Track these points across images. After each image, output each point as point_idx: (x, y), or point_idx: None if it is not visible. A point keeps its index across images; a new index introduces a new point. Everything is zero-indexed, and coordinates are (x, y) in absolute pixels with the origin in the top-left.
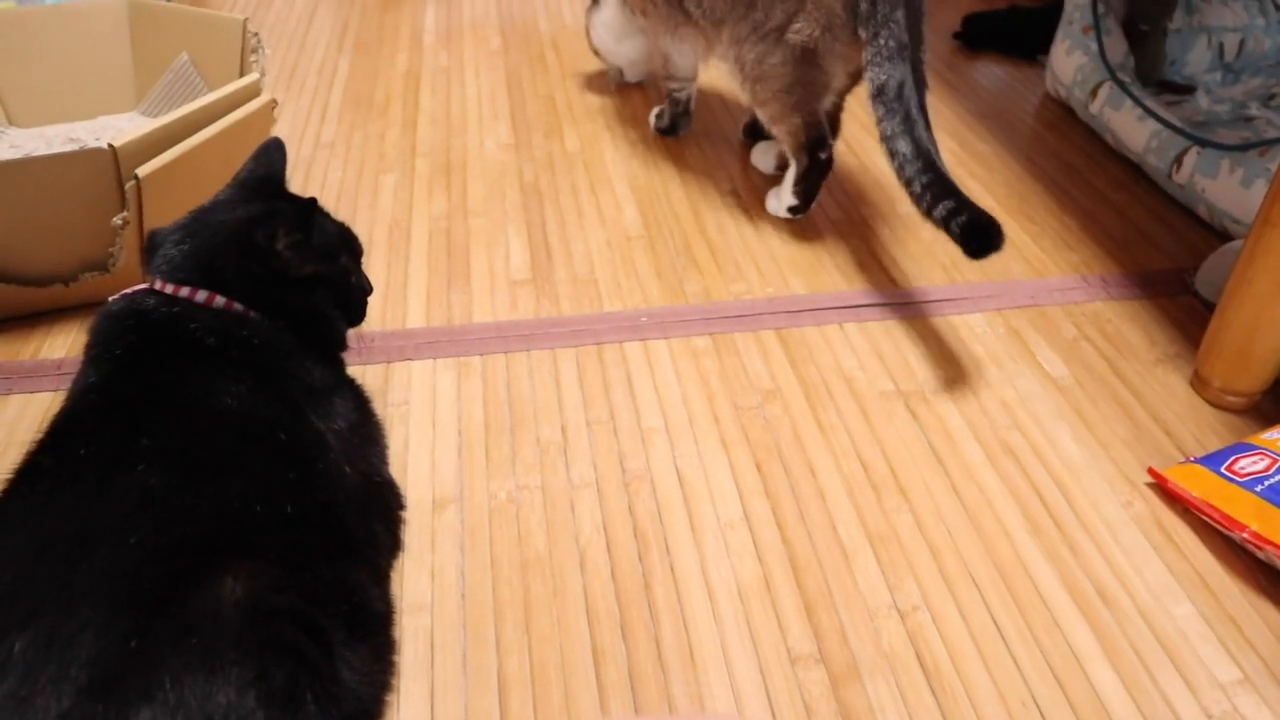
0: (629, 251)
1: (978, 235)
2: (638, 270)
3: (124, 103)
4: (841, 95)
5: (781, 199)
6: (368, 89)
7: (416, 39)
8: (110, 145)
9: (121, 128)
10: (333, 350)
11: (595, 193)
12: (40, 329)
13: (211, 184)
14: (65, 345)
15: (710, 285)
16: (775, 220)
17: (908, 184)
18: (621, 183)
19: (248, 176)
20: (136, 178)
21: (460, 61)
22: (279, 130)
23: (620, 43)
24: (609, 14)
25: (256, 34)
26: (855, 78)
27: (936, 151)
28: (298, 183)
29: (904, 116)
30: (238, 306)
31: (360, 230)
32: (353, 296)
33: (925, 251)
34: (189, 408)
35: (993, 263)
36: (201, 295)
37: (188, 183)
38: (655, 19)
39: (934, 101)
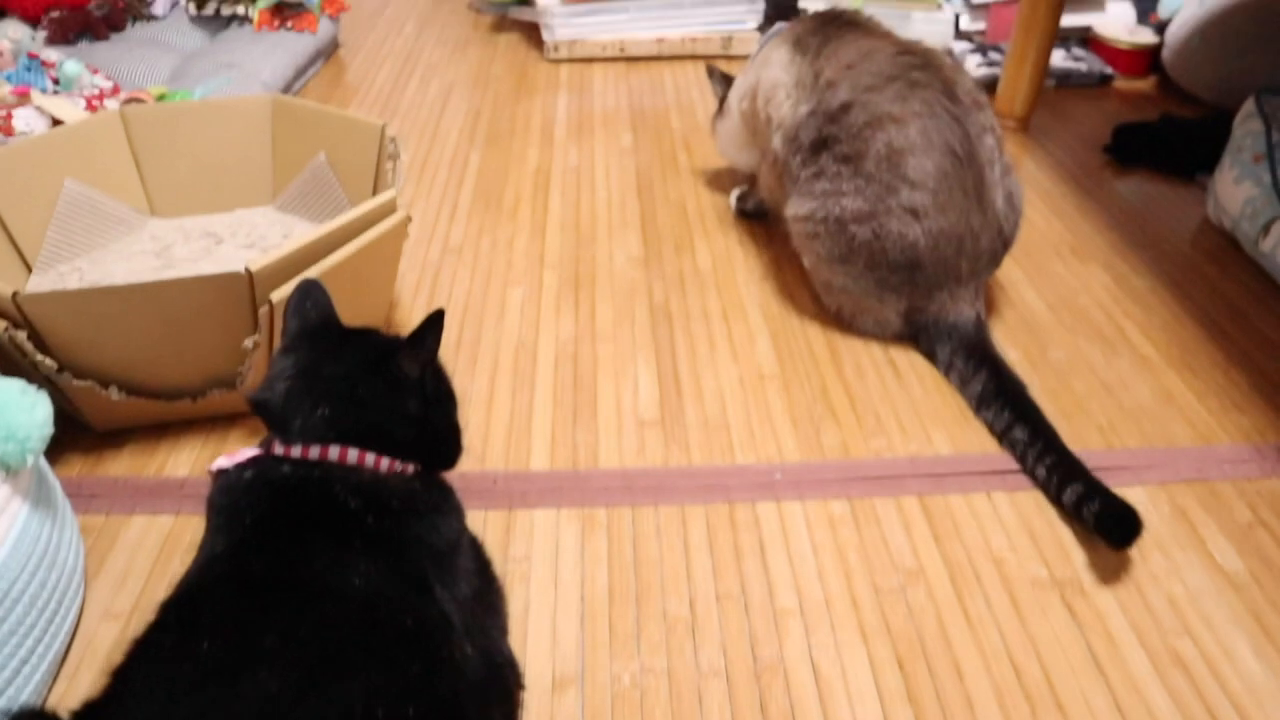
0: (762, 392)
1: (1114, 526)
2: (771, 416)
3: (261, 197)
4: None
5: None
6: (498, 187)
7: (548, 132)
8: (247, 269)
9: (256, 222)
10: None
11: (727, 319)
12: (165, 443)
13: (343, 303)
14: (189, 462)
15: (848, 438)
16: (917, 366)
17: (1031, 471)
18: (754, 309)
19: (307, 327)
20: (270, 302)
21: (591, 160)
22: (410, 231)
23: (741, 151)
24: (731, 124)
25: (394, 139)
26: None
27: (1054, 431)
28: (425, 291)
29: (1011, 408)
30: (373, 460)
31: (486, 351)
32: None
33: (1078, 407)
34: (317, 592)
35: (1154, 425)
36: (351, 454)
37: None
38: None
39: (1084, 226)
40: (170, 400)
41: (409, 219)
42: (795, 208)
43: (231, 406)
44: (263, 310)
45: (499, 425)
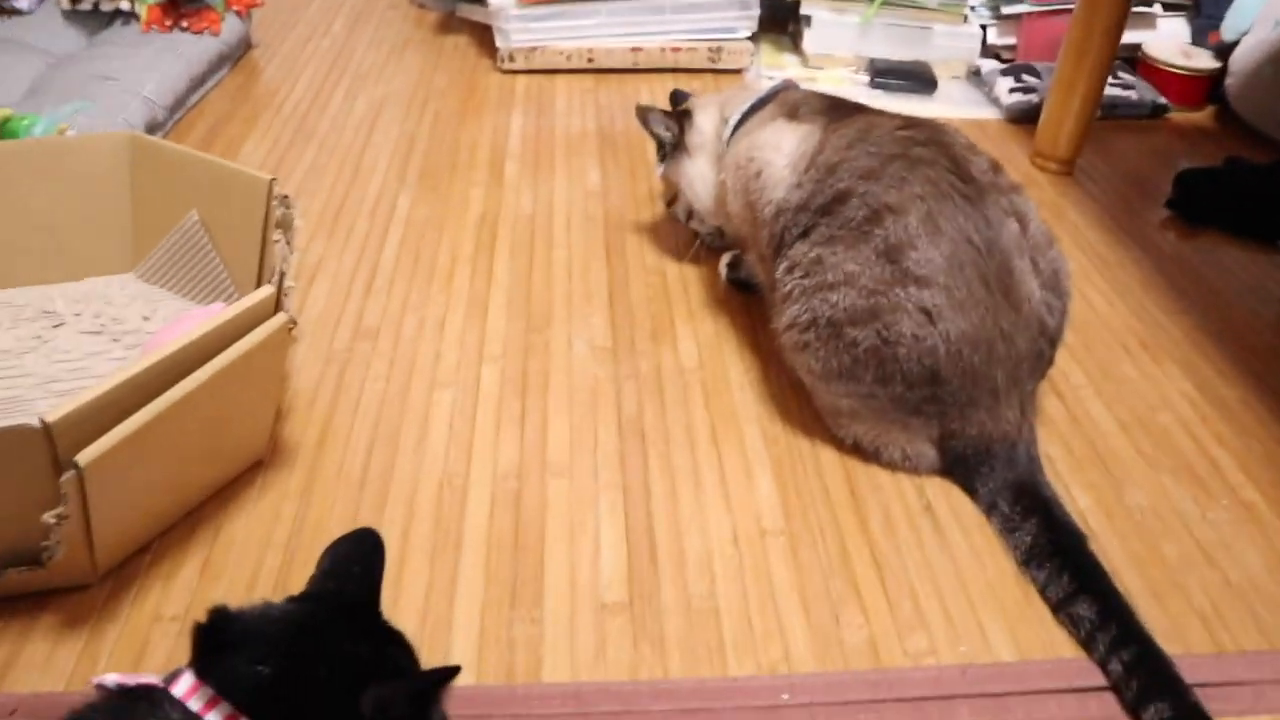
0: (763, 557)
1: None
2: (775, 595)
3: (119, 262)
4: None
5: None
6: (431, 243)
7: (497, 166)
8: (42, 421)
9: (111, 296)
10: None
11: (718, 443)
12: None
13: (199, 441)
14: None
15: (878, 633)
16: (961, 515)
17: (1103, 664)
18: (752, 427)
19: (330, 589)
20: (77, 466)
21: (549, 205)
22: (311, 310)
23: (721, 207)
24: (705, 164)
25: (285, 198)
26: None
27: (1130, 610)
28: (326, 395)
29: (1071, 572)
30: None
31: (400, 489)
32: None
33: (1172, 583)
34: None
35: (1276, 615)
36: None
37: (157, 453)
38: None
39: (1153, 309)
40: None
41: (293, 324)
42: (777, 319)
43: (40, 585)
44: (66, 477)
45: (410, 611)
